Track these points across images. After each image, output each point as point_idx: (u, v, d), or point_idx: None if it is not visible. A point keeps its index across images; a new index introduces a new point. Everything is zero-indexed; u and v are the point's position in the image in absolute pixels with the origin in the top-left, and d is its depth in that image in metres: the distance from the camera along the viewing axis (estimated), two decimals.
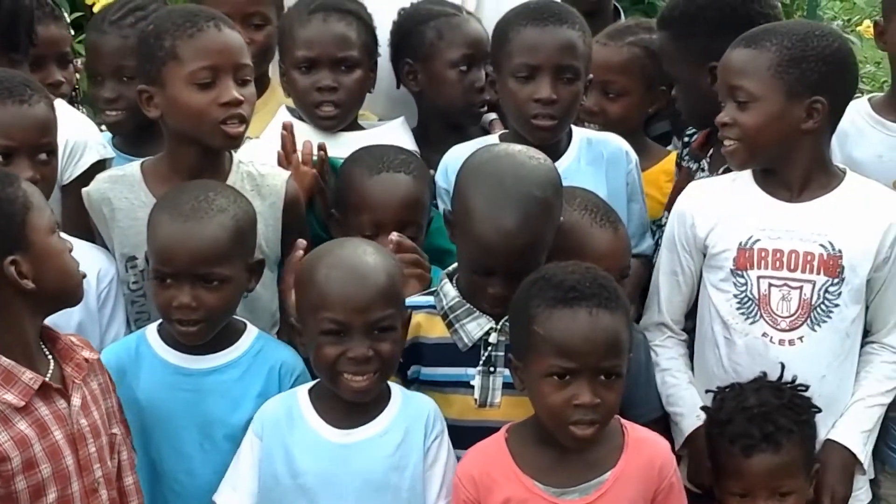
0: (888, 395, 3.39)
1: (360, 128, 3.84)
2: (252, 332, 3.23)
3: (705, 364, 3.44)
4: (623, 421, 3.06)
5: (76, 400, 2.84)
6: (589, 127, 3.90)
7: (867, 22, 7.43)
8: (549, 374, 2.91)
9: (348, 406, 3.04)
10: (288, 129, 3.63)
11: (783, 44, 3.26)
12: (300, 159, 3.59)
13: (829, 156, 3.39)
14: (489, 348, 3.17)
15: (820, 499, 3.30)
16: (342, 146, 3.70)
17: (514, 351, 3.03)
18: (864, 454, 3.35)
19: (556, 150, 3.57)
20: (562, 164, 3.51)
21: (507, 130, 3.71)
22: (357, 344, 2.97)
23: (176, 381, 3.16)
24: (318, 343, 3.01)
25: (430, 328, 3.22)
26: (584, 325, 2.89)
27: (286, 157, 3.60)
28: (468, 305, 3.17)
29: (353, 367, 2.98)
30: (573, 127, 3.68)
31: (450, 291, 3.20)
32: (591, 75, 3.63)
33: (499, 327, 3.16)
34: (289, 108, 3.84)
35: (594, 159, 3.64)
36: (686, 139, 3.89)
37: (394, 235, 3.36)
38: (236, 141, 3.32)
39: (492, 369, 3.18)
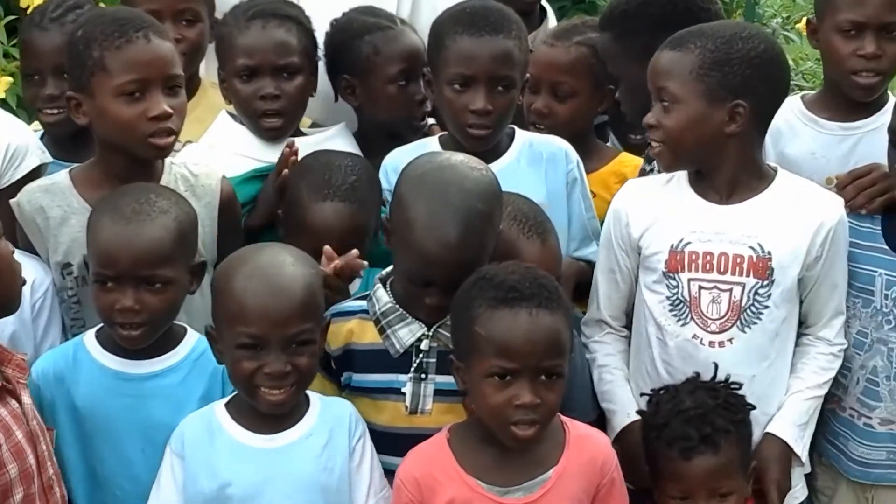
0: (824, 386, 3.45)
1: (302, 133, 3.82)
2: (193, 335, 3.22)
3: (641, 363, 3.47)
4: (564, 418, 3.09)
5: (27, 398, 2.85)
6: (539, 129, 3.90)
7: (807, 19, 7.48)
8: (489, 375, 2.93)
9: (268, 414, 3.03)
10: (291, 146, 3.59)
11: (707, 46, 3.28)
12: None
13: (759, 157, 3.41)
14: (420, 355, 3.17)
15: (767, 493, 3.33)
16: None
17: (456, 352, 3.05)
18: (801, 447, 3.39)
19: (496, 150, 3.61)
20: (501, 164, 3.55)
21: (445, 132, 3.71)
22: (274, 359, 2.95)
23: (116, 387, 3.13)
24: (234, 356, 2.99)
25: (362, 334, 3.21)
26: (524, 326, 2.92)
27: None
28: (400, 311, 3.17)
29: (271, 381, 2.96)
30: (517, 129, 3.69)
31: (383, 297, 3.19)
32: (527, 75, 3.65)
33: (430, 333, 3.16)
34: (230, 114, 3.81)
35: (534, 160, 3.65)
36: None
37: (339, 261, 3.29)
38: (164, 151, 3.31)
39: (423, 376, 3.18)
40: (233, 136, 3.76)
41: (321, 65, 3.88)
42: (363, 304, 3.23)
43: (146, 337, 3.13)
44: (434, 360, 3.17)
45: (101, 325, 3.19)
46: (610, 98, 4.03)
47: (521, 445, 2.98)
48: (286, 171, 3.56)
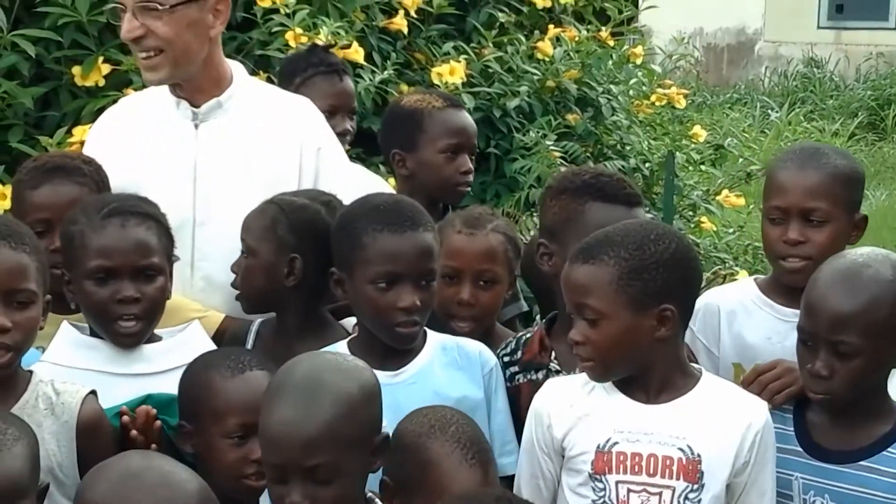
0: None
1: (158, 337, 3.59)
2: None
3: None
4: None
5: None
6: (462, 322, 3.81)
7: (726, 191, 7.45)
8: None
9: None
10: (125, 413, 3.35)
11: (621, 255, 3.20)
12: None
13: (684, 356, 3.34)
14: None
15: None
16: (143, 363, 3.49)
17: None
18: None
19: (409, 350, 3.51)
20: (416, 366, 3.47)
21: (354, 336, 3.59)
22: None
23: None
24: None
25: None
26: None
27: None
28: None
29: None
30: (427, 330, 3.58)
31: None
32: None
33: None
34: (72, 324, 3.56)
35: (449, 363, 3.53)
36: (505, 357, 3.71)
37: None
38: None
39: None
40: (77, 348, 3.51)
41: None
42: None
43: None
44: None
45: None
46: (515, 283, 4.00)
47: None
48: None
